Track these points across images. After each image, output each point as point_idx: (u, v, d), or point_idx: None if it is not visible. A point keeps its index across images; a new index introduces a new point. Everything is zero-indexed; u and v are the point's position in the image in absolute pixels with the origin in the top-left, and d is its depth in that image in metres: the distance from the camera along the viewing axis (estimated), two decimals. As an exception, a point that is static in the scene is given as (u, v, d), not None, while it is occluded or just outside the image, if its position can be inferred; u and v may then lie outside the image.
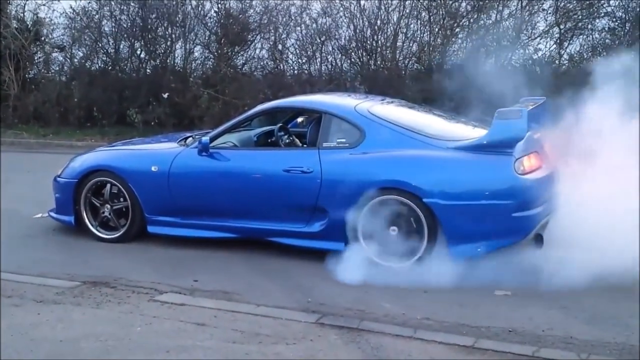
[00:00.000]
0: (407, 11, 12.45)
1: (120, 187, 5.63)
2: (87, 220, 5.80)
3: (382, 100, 5.74)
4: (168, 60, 13.90)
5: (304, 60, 13.50)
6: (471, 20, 12.25)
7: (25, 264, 5.20)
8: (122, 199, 5.69)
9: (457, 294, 4.39)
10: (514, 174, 4.59)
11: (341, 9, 12.98)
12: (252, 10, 13.32)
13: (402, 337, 3.78)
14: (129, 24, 13.85)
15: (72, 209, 5.83)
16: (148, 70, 14.06)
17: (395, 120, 5.12)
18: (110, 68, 14.31)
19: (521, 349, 3.63)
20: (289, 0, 13.11)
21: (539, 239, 4.70)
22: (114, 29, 13.99)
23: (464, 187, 4.64)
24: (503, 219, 4.60)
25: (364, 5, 12.72)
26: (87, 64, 14.47)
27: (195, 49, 13.86)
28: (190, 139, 5.84)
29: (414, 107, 6.01)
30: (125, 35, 13.98)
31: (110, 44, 14.18)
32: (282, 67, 13.54)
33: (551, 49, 12.14)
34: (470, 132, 5.22)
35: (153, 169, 5.53)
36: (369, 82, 12.72)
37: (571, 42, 12.02)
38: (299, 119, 6.26)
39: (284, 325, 4.01)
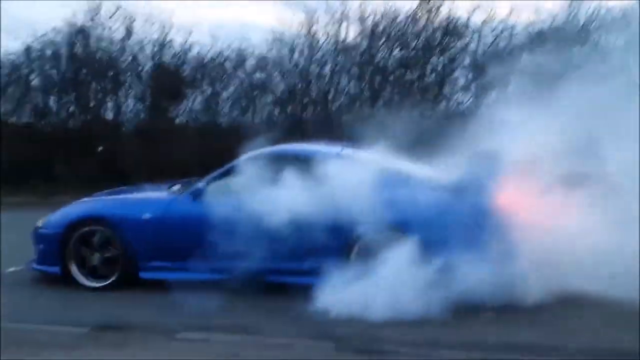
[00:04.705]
0: (339, 67, 13.23)
1: (112, 235, 5.78)
2: (75, 270, 5.86)
3: (356, 148, 6.19)
4: (100, 113, 13.94)
5: (235, 113, 13.95)
6: (397, 75, 13.17)
7: (23, 314, 5.21)
8: (110, 247, 5.82)
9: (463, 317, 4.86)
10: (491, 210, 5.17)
11: (273, 65, 13.61)
12: (187, 65, 13.68)
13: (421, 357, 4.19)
14: (60, 77, 13.81)
15: (59, 259, 5.88)
16: (79, 124, 14.00)
17: (380, 164, 5.63)
18: (39, 122, 14.12)
19: None
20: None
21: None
22: (43, 83, 13.90)
23: (449, 222, 5.15)
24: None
25: (297, 61, 13.41)
26: (12, 119, 14.23)
27: (129, 102, 14.00)
28: (178, 186, 6.12)
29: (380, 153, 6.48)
30: (54, 90, 13.91)
31: (39, 98, 14.04)
32: (216, 119, 13.91)
33: (470, 101, 13.26)
34: (441, 173, 5.80)
35: (145, 216, 5.74)
36: (303, 133, 13.29)
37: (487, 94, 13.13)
38: None
39: (307, 352, 4.31)
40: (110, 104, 13.98)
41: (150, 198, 6.02)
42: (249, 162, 5.89)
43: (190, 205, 5.69)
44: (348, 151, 5.89)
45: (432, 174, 5.75)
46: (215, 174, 5.88)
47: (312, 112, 13.58)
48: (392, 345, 4.39)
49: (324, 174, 5.54)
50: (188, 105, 14.00)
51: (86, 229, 5.86)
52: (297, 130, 13.51)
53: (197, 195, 5.67)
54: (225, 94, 13.84)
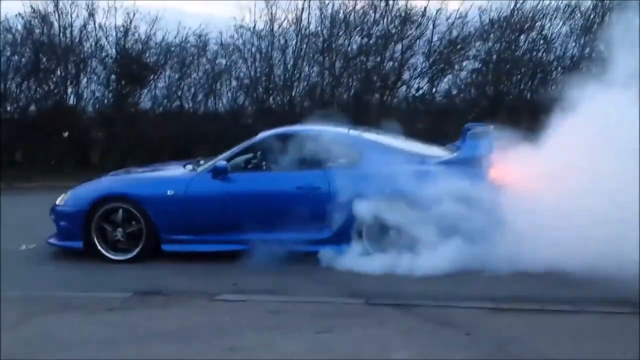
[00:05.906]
0: (302, 53, 13.72)
1: (135, 211, 6.16)
2: (99, 245, 6.23)
3: (363, 129, 6.78)
4: (63, 99, 13.94)
5: (199, 98, 14.25)
6: (358, 62, 13.79)
7: (63, 284, 5.58)
8: (134, 222, 6.21)
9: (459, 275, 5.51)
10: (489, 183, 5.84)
11: (237, 51, 13.96)
12: (151, 51, 13.86)
13: (450, 307, 4.80)
14: (21, 63, 13.72)
15: (82, 234, 6.23)
16: (41, 110, 13.95)
17: (385, 142, 6.26)
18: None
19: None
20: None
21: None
22: (3, 68, 13.76)
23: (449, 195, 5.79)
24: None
25: (259, 47, 13.81)
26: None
27: (92, 87, 14.05)
28: (190, 166, 6.58)
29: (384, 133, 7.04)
30: (15, 75, 13.79)
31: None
32: (181, 104, 14.16)
33: (424, 87, 14.03)
34: (438, 151, 6.47)
35: (169, 192, 6.16)
36: (267, 119, 13.74)
37: (441, 80, 13.97)
38: None
39: (344, 307, 4.87)
40: (72, 90, 13.95)
41: (172, 176, 6.44)
42: (265, 141, 6.39)
43: (211, 183, 6.14)
44: (354, 131, 6.47)
45: (430, 151, 6.40)
46: (232, 152, 6.34)
47: (275, 97, 14.02)
48: (415, 299, 5.00)
49: (338, 151, 6.11)
50: (152, 91, 14.16)
51: (109, 205, 6.22)
52: (262, 115, 13.99)
53: (217, 172, 6.12)
54: (189, 80, 14.06)
